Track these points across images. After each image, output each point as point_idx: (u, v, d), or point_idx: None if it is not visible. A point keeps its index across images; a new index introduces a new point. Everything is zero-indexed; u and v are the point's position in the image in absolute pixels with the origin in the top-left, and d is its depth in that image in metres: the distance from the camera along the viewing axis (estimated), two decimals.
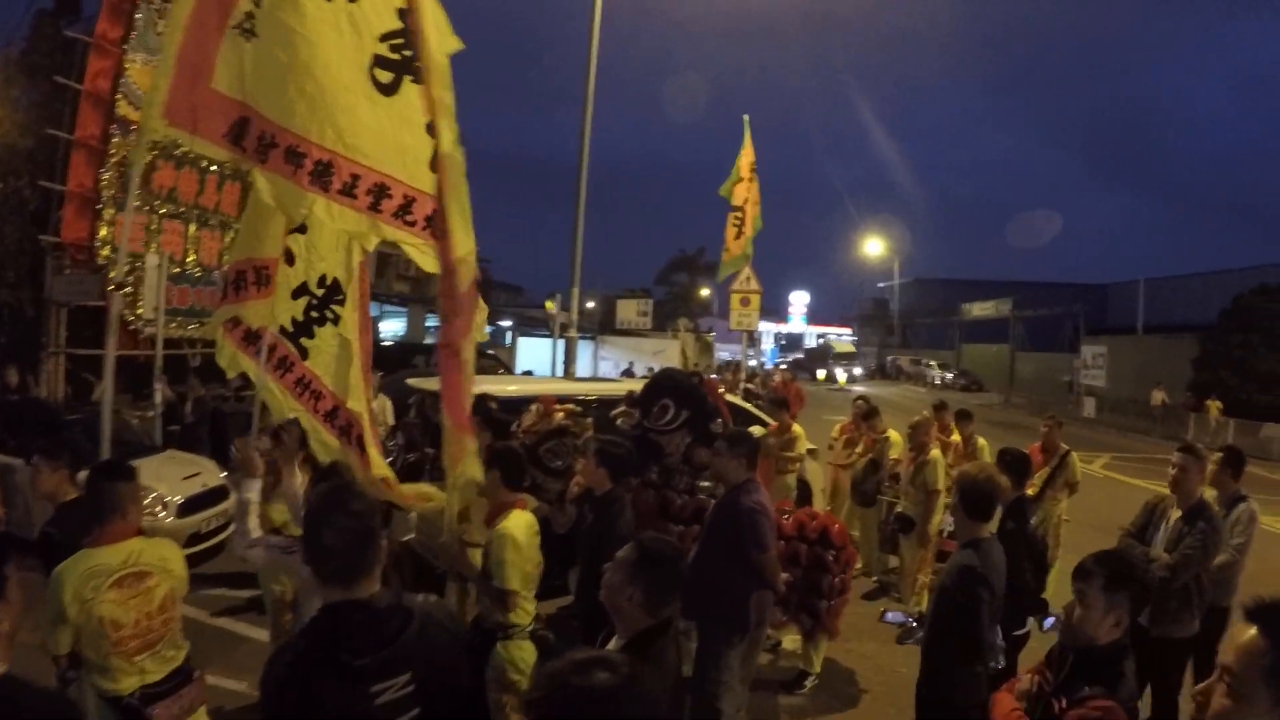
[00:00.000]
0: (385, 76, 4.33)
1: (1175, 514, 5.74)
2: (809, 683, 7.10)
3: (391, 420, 10.07)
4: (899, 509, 9.04)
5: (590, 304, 52.99)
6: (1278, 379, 31.85)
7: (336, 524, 2.52)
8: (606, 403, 8.86)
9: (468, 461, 4.69)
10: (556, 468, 7.19)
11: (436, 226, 4.41)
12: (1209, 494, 5.98)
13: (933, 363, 64.93)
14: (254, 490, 4.46)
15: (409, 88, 4.36)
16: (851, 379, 58.86)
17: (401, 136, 4.36)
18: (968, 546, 4.47)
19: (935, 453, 8.87)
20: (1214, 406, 31.49)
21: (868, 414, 10.68)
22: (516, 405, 8.04)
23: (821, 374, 61.92)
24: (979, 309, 64.45)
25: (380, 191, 4.30)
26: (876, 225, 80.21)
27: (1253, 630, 2.28)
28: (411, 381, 10.22)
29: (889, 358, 74.83)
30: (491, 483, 4.83)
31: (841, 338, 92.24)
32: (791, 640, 7.46)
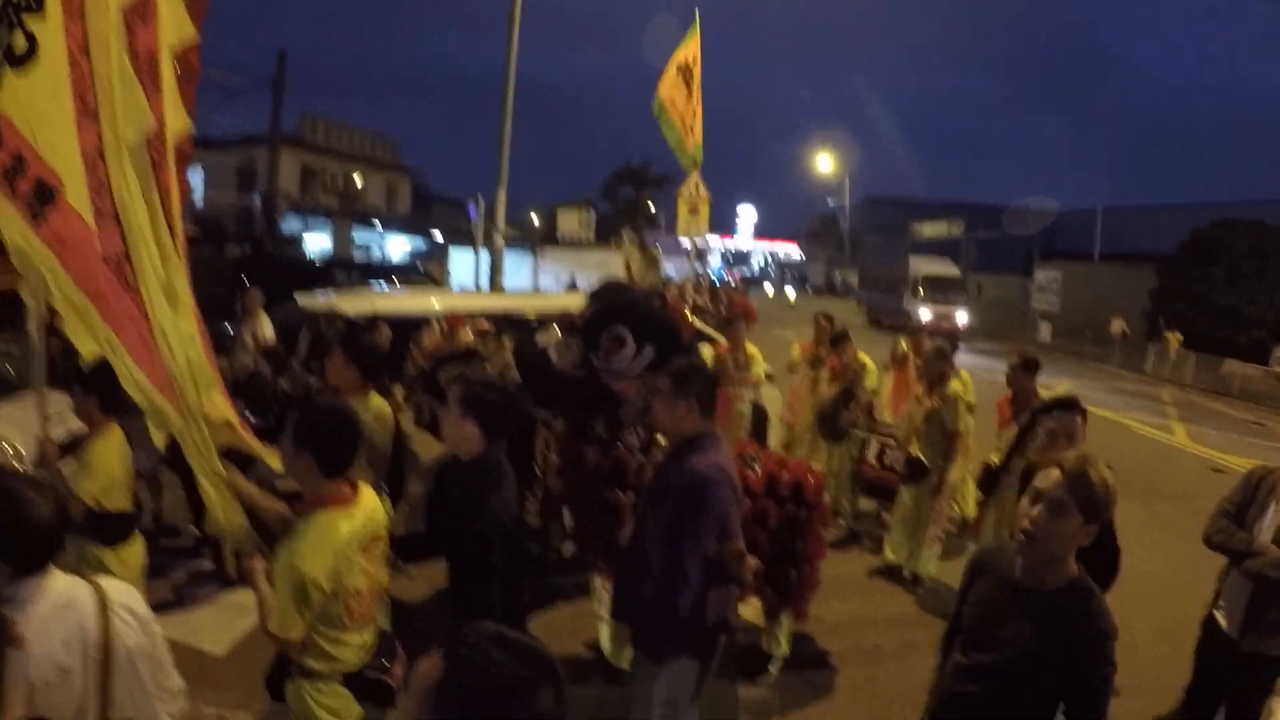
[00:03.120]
0: None
1: None
2: (773, 667, 5.70)
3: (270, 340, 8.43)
4: (912, 452, 7.50)
5: (534, 219, 51.49)
6: (1237, 314, 31.04)
7: None
8: (525, 320, 7.37)
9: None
10: None
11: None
12: None
13: None
14: None
15: None
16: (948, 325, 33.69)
17: None
18: (1080, 581, 2.77)
19: (955, 385, 7.39)
20: (1174, 339, 30.51)
21: (837, 339, 8.97)
22: (412, 324, 6.57)
23: (771, 290, 60.82)
24: (930, 229, 63.74)
25: None
26: (827, 143, 78.29)
27: None
28: (301, 300, 8.61)
29: (837, 275, 73.81)
30: (300, 466, 3.14)
31: (790, 254, 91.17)
32: (751, 609, 6.07)
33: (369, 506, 3.20)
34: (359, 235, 35.87)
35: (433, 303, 7.69)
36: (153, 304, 3.45)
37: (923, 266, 39.76)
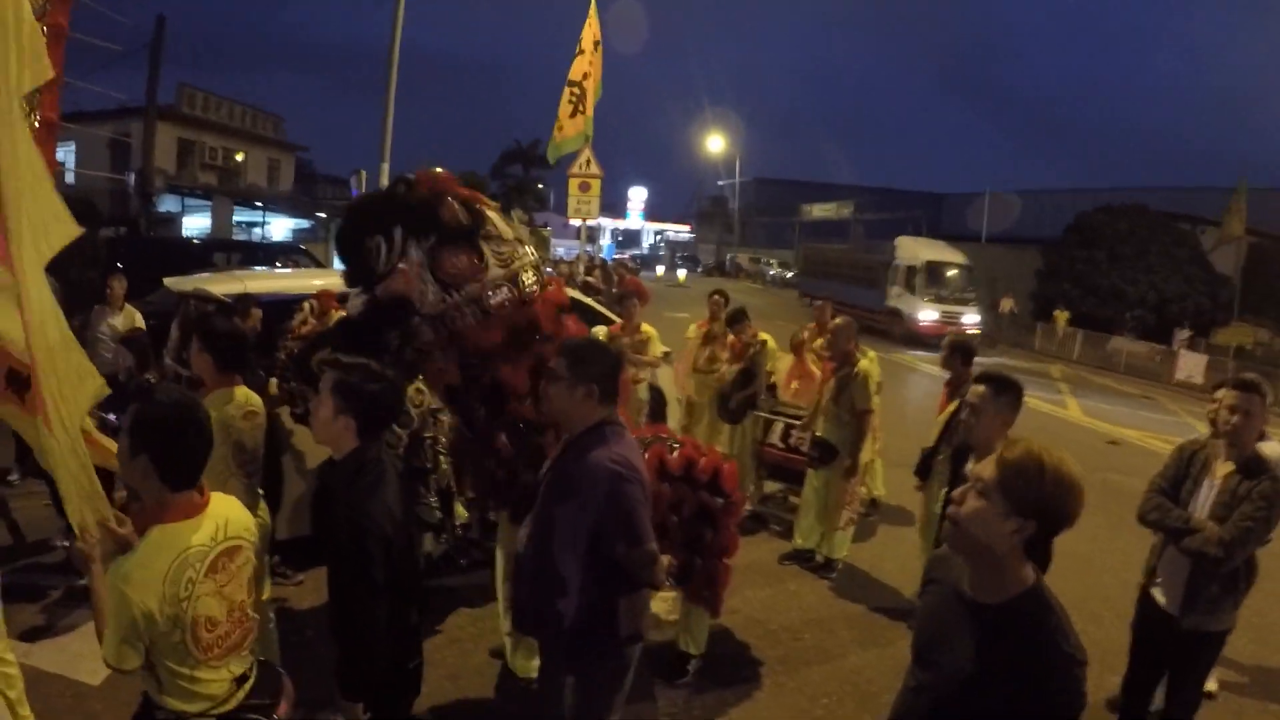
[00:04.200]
0: None
1: (1224, 468, 4.20)
2: (692, 667, 5.35)
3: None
4: (817, 431, 7.35)
5: None
6: (1119, 294, 32.49)
7: None
8: None
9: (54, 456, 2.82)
10: None
11: None
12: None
13: (772, 261, 63.94)
14: None
15: None
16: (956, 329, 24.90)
17: None
18: (1035, 593, 2.28)
19: (864, 363, 7.16)
20: (1061, 317, 31.90)
21: (734, 317, 8.62)
22: (288, 306, 6.06)
23: (661, 270, 60.82)
24: (819, 210, 64.72)
25: None
26: (719, 123, 78.45)
27: None
28: (169, 282, 7.89)
29: (728, 255, 74.10)
30: (136, 470, 2.65)
31: (680, 235, 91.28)
32: (663, 602, 5.73)
33: (222, 516, 2.71)
34: (240, 215, 34.57)
35: (311, 282, 7.13)
36: (33, 285, 2.83)
37: (920, 251, 30.53)
